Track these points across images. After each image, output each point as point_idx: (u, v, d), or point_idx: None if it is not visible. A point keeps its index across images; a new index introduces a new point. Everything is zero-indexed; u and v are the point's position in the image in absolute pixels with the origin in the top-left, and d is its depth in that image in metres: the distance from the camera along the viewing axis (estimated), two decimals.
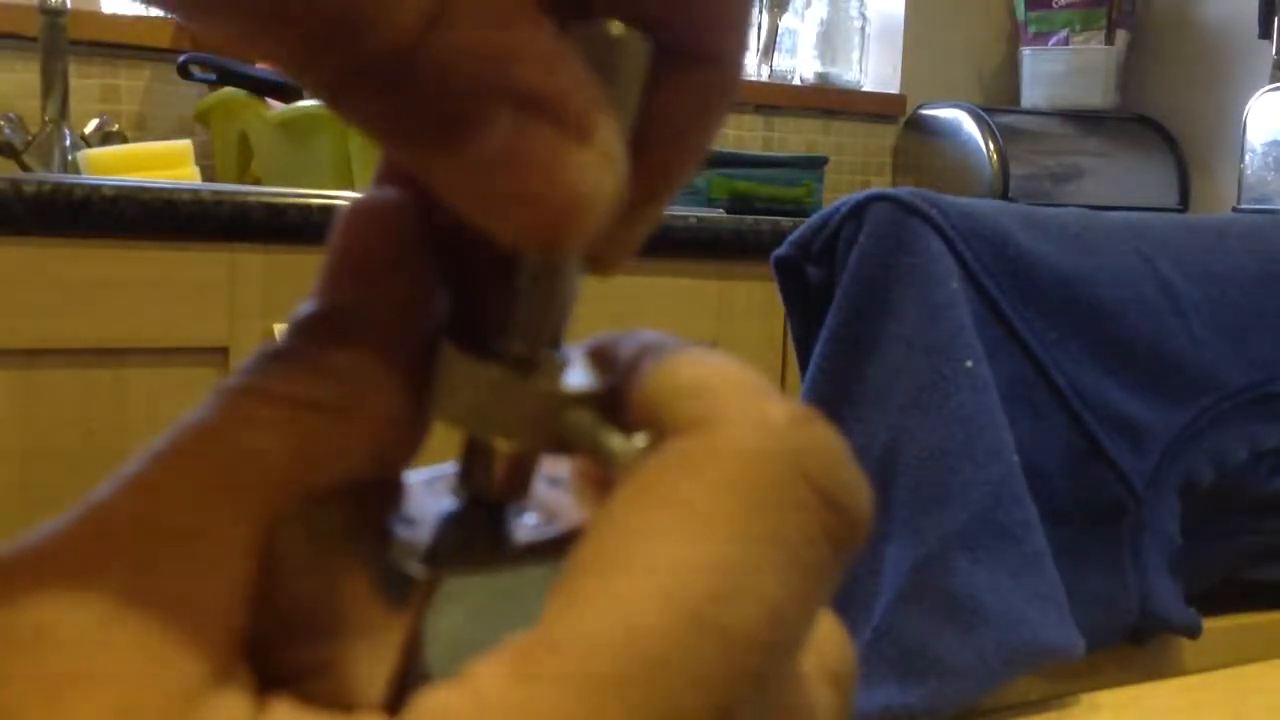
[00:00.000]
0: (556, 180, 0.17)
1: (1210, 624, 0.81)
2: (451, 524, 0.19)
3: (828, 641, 0.20)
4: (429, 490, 0.20)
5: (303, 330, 0.19)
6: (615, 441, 0.19)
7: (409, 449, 0.20)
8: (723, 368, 0.19)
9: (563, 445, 0.19)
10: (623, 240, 0.21)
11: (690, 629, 0.16)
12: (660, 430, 0.18)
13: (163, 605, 0.16)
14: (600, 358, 0.20)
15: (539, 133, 0.17)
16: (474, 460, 0.20)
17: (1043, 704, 0.76)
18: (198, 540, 0.17)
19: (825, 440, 0.18)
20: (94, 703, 0.16)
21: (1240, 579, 0.87)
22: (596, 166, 0.18)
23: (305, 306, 0.20)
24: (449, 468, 0.20)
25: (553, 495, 0.21)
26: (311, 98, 0.18)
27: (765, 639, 0.16)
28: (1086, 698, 0.77)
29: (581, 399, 0.19)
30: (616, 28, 0.18)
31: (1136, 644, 0.81)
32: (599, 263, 0.21)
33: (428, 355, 0.20)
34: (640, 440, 0.18)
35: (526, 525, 0.20)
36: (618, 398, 0.19)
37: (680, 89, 0.20)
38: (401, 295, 0.20)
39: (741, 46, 0.20)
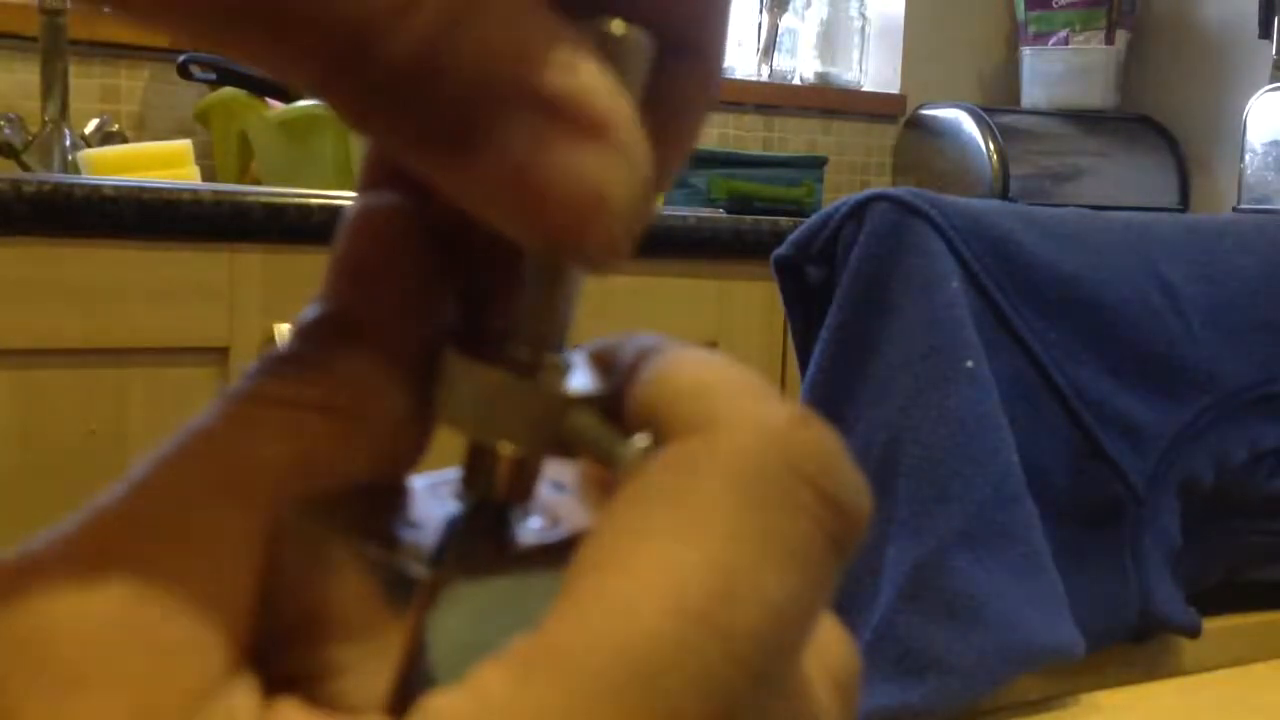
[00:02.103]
0: (581, 183, 0.17)
1: (1210, 624, 0.81)
2: (455, 527, 0.20)
3: (830, 644, 0.20)
4: (433, 494, 0.20)
5: (307, 334, 0.20)
6: (617, 444, 0.19)
7: (413, 453, 0.20)
8: (722, 370, 0.19)
9: (566, 448, 0.19)
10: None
11: (692, 630, 0.16)
12: (661, 432, 0.18)
13: (169, 607, 0.17)
14: (602, 361, 0.21)
15: (561, 135, 0.17)
16: (477, 464, 0.20)
17: (1043, 704, 0.76)
18: (203, 543, 0.17)
19: (824, 442, 0.18)
20: (102, 704, 0.16)
21: (1240, 579, 0.87)
22: (621, 167, 0.18)
23: (310, 311, 0.20)
24: (452, 472, 0.21)
25: (556, 499, 0.21)
26: (339, 119, 0.18)
27: (766, 640, 0.16)
28: (1086, 698, 0.77)
29: (584, 402, 0.19)
30: (619, 26, 0.18)
31: (1136, 644, 0.81)
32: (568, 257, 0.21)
33: (431, 360, 0.20)
34: (641, 442, 0.18)
35: (530, 529, 0.20)
36: (619, 401, 0.20)
37: (665, 82, 0.20)
38: (405, 300, 0.20)
39: (723, 39, 0.20)
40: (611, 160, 0.18)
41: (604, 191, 0.17)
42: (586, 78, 0.18)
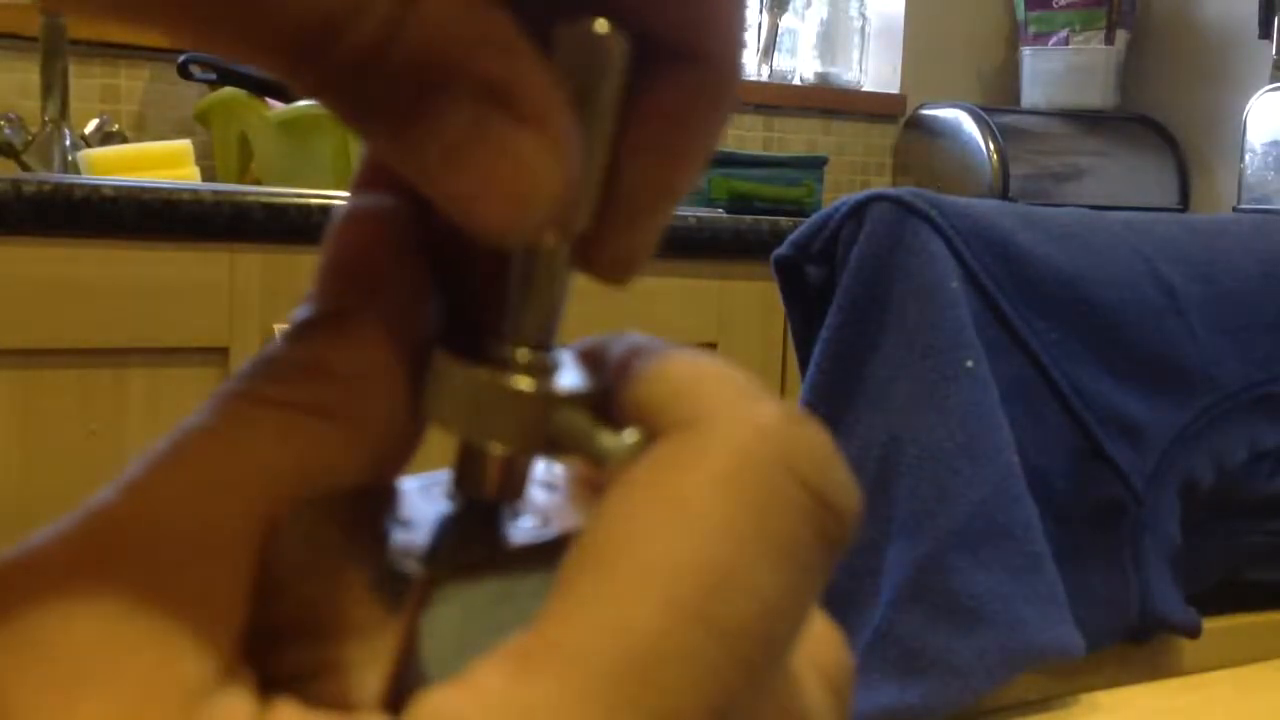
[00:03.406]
0: (510, 167, 0.18)
1: (1210, 624, 0.81)
2: (448, 527, 0.20)
3: (821, 642, 0.20)
4: (425, 494, 0.20)
5: (299, 335, 0.20)
6: (607, 442, 0.19)
7: (404, 453, 0.20)
8: (712, 368, 0.19)
9: (556, 447, 0.19)
10: (631, 246, 0.21)
11: (684, 626, 0.16)
12: (651, 430, 0.18)
13: (165, 606, 0.17)
14: (590, 360, 0.21)
15: (495, 121, 0.18)
16: (469, 463, 0.20)
17: (1043, 704, 0.76)
18: (198, 543, 0.17)
19: (814, 439, 0.18)
20: (99, 703, 0.16)
21: (1240, 579, 0.87)
22: (549, 154, 0.18)
23: (300, 311, 0.20)
24: (444, 473, 0.21)
25: (548, 499, 0.21)
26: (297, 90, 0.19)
27: (758, 635, 0.17)
28: (1086, 698, 0.77)
29: (573, 401, 0.19)
30: (602, 25, 0.19)
31: (1136, 644, 0.81)
32: (610, 269, 0.21)
33: (422, 359, 0.20)
34: (631, 440, 0.18)
35: (521, 528, 0.20)
36: (609, 399, 0.20)
37: (671, 89, 0.20)
38: (395, 300, 0.20)
39: (734, 46, 0.20)
40: (547, 147, 0.18)
41: (534, 177, 0.18)
42: (526, 67, 0.18)
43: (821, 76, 2.22)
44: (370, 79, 0.18)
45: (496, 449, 0.20)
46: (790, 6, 2.15)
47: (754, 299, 1.43)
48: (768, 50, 2.15)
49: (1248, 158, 1.92)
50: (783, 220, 1.45)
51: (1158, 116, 2.21)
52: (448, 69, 0.18)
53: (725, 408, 0.18)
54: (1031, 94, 2.22)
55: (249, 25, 0.17)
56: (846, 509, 0.18)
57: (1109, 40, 2.17)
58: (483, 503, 0.20)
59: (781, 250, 0.80)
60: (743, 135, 2.14)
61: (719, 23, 0.20)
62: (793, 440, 0.18)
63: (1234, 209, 1.95)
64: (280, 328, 1.18)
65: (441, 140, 0.18)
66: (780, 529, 0.17)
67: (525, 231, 0.18)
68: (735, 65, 0.21)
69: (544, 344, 0.20)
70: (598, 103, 0.19)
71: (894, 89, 2.25)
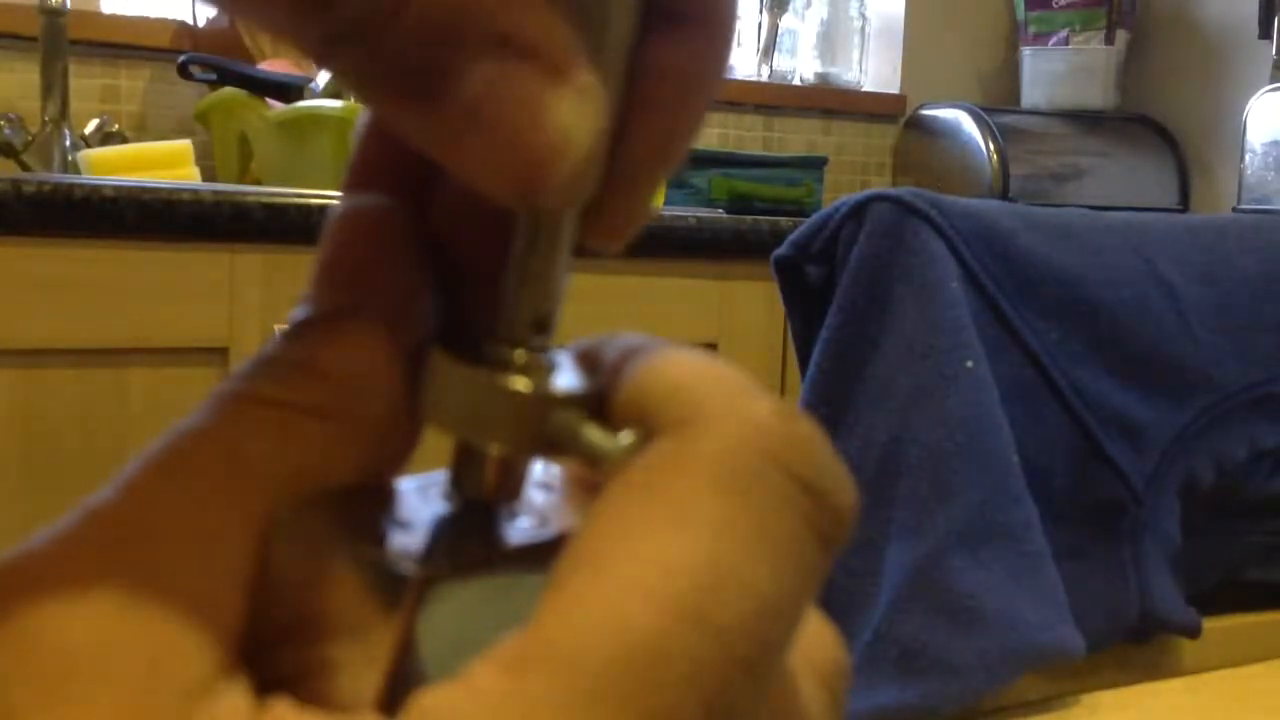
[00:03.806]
0: (538, 120, 0.18)
1: (1210, 624, 0.81)
2: (444, 527, 0.20)
3: (816, 641, 0.20)
4: (421, 495, 0.20)
5: (296, 336, 0.20)
6: (603, 442, 0.19)
7: (402, 453, 0.20)
8: (706, 367, 0.19)
9: (552, 448, 0.19)
10: (631, 211, 0.21)
11: (679, 624, 0.16)
12: (646, 430, 0.18)
13: (163, 606, 0.17)
14: (587, 360, 0.21)
15: (518, 75, 0.17)
16: (465, 464, 0.20)
17: (1043, 704, 0.76)
18: (195, 543, 0.17)
19: (808, 436, 0.18)
20: (98, 703, 0.16)
21: (1240, 579, 0.87)
22: (578, 104, 0.18)
23: (298, 312, 0.20)
24: (441, 473, 0.21)
25: (544, 499, 0.21)
26: (300, 57, 0.19)
27: (754, 632, 0.17)
28: (1086, 698, 0.77)
29: (569, 401, 0.19)
30: None
31: (1136, 644, 0.81)
32: (609, 236, 0.21)
33: (419, 360, 0.20)
34: (627, 440, 0.18)
35: (518, 528, 0.20)
36: (605, 400, 0.20)
37: (676, 49, 0.20)
38: (392, 300, 0.20)
39: (734, 7, 0.20)
40: (573, 100, 0.18)
41: (566, 129, 0.18)
42: (547, 21, 0.18)
43: (821, 76, 2.22)
44: (382, 37, 0.17)
45: (494, 449, 0.20)
46: (790, 6, 2.15)
47: (754, 299, 1.43)
48: (768, 50, 2.14)
49: (1248, 158, 1.92)
50: (783, 220, 1.45)
51: (1158, 116, 2.21)
52: (463, 24, 0.17)
53: (720, 406, 0.18)
54: (1031, 94, 2.22)
55: None
56: (843, 506, 0.18)
57: (1109, 40, 2.17)
58: (480, 503, 0.20)
59: (781, 250, 0.80)
60: (743, 135, 2.14)
61: (722, 11, 0.20)
62: (787, 438, 0.18)
63: (1234, 209, 1.95)
64: (280, 328, 1.18)
65: (462, 99, 0.17)
66: (775, 527, 0.17)
67: (556, 190, 0.18)
68: (733, 27, 0.21)
69: (541, 344, 0.20)
70: (607, 61, 0.19)
71: (894, 89, 2.25)
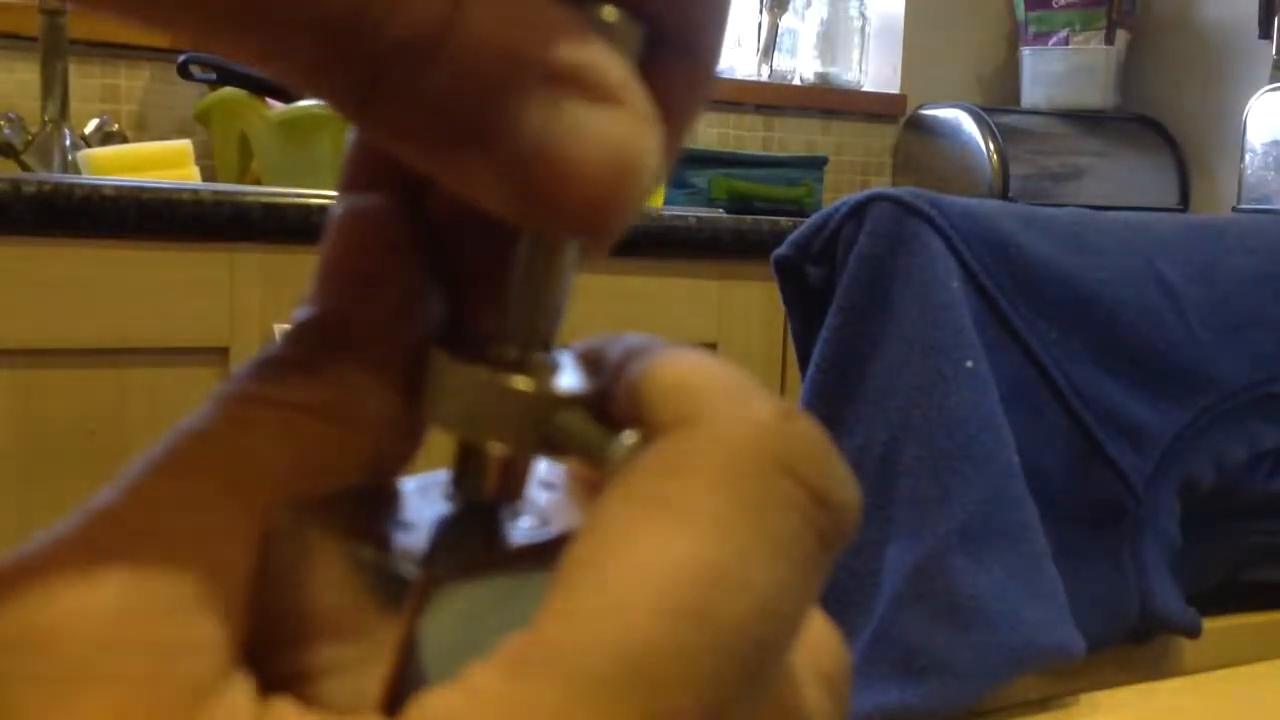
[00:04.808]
0: (609, 153, 0.17)
1: (1210, 624, 0.81)
2: (446, 528, 0.20)
3: (819, 642, 0.20)
4: (423, 495, 0.20)
5: (297, 336, 0.20)
6: (605, 443, 0.19)
7: (404, 454, 0.20)
8: (707, 367, 0.19)
9: (554, 448, 0.19)
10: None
11: (680, 625, 0.16)
12: (648, 430, 0.18)
13: (165, 608, 0.17)
14: (589, 361, 0.21)
15: (577, 108, 0.17)
16: (467, 464, 0.20)
17: (1043, 704, 0.76)
18: (199, 544, 0.17)
19: (809, 435, 0.18)
20: (101, 703, 0.16)
21: (1240, 579, 0.87)
22: (645, 133, 0.17)
23: (300, 313, 0.20)
24: (442, 473, 0.21)
25: (547, 499, 0.21)
26: (345, 120, 0.17)
27: (756, 633, 0.16)
28: (1086, 698, 0.77)
29: (572, 401, 0.19)
30: (610, 13, 0.18)
31: (1136, 644, 0.81)
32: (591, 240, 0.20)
33: (421, 359, 0.20)
34: (629, 440, 0.18)
35: (520, 528, 0.20)
36: (607, 400, 0.20)
37: (656, 78, 0.19)
38: (393, 300, 0.20)
39: (718, 38, 0.20)
40: (639, 129, 0.17)
41: (635, 159, 0.17)
42: (597, 50, 0.17)
43: (821, 76, 2.22)
44: (420, 77, 0.16)
45: (496, 449, 0.20)
46: (790, 6, 2.15)
47: (754, 299, 1.43)
48: (768, 50, 2.14)
49: (1248, 158, 1.92)
50: (783, 220, 1.45)
51: (1158, 116, 2.21)
52: (515, 59, 0.17)
53: (721, 406, 0.18)
54: (1031, 94, 2.22)
55: (252, 7, 0.16)
56: (844, 505, 0.18)
57: (1109, 40, 2.17)
58: (482, 503, 0.20)
59: (781, 250, 0.80)
60: (743, 135, 2.14)
61: (707, 13, 0.20)
62: (788, 437, 0.18)
63: (1234, 209, 1.95)
64: (280, 328, 1.18)
65: (521, 139, 0.17)
66: (776, 526, 0.17)
67: (628, 218, 0.17)
68: (718, 58, 0.20)
69: (544, 345, 0.20)
70: None
71: (894, 89, 2.25)
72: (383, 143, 0.17)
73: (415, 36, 0.16)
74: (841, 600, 0.73)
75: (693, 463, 0.17)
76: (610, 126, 0.17)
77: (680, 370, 0.19)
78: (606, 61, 0.17)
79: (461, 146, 0.17)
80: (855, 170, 2.24)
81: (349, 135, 0.21)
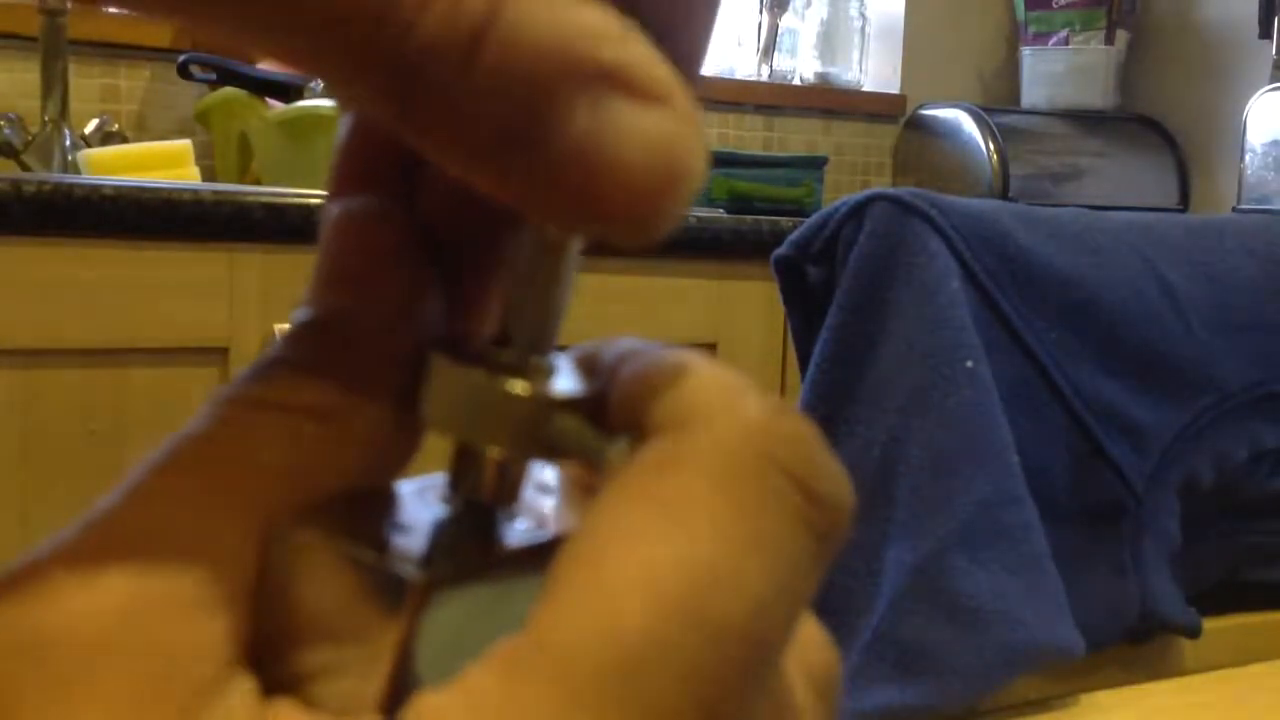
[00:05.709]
0: (654, 152, 0.17)
1: (1210, 624, 0.81)
2: (444, 530, 0.20)
3: (810, 645, 0.20)
4: (420, 498, 0.20)
5: (296, 338, 0.20)
6: (601, 445, 0.19)
7: (402, 456, 0.20)
8: (701, 369, 0.19)
9: (551, 451, 0.19)
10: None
11: (674, 625, 0.16)
12: (642, 432, 0.18)
13: (167, 610, 0.17)
14: (586, 364, 0.21)
15: (623, 108, 0.16)
16: (464, 467, 0.20)
17: (1043, 704, 0.76)
18: (200, 547, 0.17)
19: (804, 434, 0.18)
20: (102, 705, 0.16)
21: (1240, 579, 0.87)
22: (690, 131, 0.17)
23: (298, 315, 0.20)
24: (440, 476, 0.21)
25: (543, 501, 0.21)
26: (385, 125, 0.16)
27: (749, 633, 0.16)
28: (1086, 698, 0.77)
29: (568, 404, 0.19)
30: None
31: (1136, 644, 0.81)
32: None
33: (419, 362, 0.20)
34: (624, 442, 0.18)
35: (517, 531, 0.20)
36: (603, 403, 0.20)
37: None
38: (391, 302, 0.20)
39: (702, 49, 0.20)
40: (682, 125, 0.17)
41: (684, 157, 0.17)
42: (640, 47, 0.17)
43: (821, 76, 2.22)
44: (461, 79, 0.16)
45: (493, 452, 0.20)
46: (790, 6, 2.15)
47: (754, 299, 1.43)
48: (768, 50, 2.14)
49: (1248, 158, 1.92)
50: (783, 220, 1.45)
51: (1158, 116, 2.21)
52: (558, 59, 0.16)
53: (715, 406, 0.18)
54: (1031, 94, 2.22)
55: (297, 12, 0.15)
56: (838, 503, 0.18)
57: (1109, 40, 2.17)
58: (479, 506, 0.20)
59: (781, 250, 0.80)
60: (743, 135, 2.14)
61: (698, 19, 0.20)
62: (782, 436, 0.18)
63: (1234, 209, 1.95)
64: (280, 328, 1.18)
65: (568, 142, 0.16)
66: (769, 526, 0.17)
67: (674, 219, 0.17)
68: (701, 61, 0.20)
69: (541, 348, 0.20)
70: None
71: (894, 89, 2.25)
72: (427, 151, 0.17)
73: (449, 35, 0.16)
74: (841, 600, 0.74)
75: (686, 462, 0.17)
76: (657, 126, 0.17)
77: (674, 373, 0.19)
78: (651, 59, 0.17)
79: (503, 150, 0.16)
80: (855, 170, 2.24)
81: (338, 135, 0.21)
